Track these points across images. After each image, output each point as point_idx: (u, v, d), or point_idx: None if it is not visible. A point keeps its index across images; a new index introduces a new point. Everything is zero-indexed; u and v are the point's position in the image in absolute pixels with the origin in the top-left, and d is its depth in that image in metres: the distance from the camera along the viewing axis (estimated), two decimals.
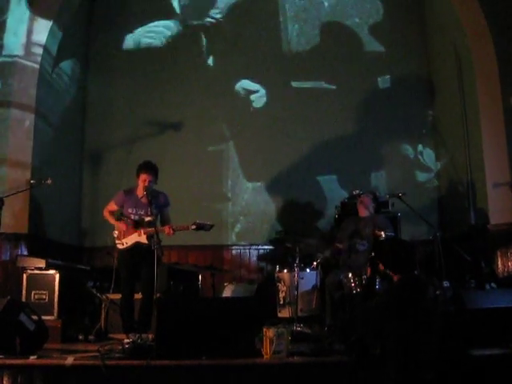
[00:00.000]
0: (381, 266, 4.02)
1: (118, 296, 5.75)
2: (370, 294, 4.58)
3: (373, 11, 8.29)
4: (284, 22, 8.33)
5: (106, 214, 5.71)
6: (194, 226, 5.34)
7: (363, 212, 6.08)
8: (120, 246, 5.54)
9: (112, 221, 5.62)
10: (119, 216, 5.51)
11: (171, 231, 5.36)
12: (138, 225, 5.49)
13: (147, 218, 5.37)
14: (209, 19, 8.36)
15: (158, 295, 5.12)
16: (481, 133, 6.55)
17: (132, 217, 5.53)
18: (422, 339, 3.52)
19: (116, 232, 5.54)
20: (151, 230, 5.31)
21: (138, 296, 5.64)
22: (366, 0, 8.33)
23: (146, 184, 5.43)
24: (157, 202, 5.54)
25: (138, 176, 5.53)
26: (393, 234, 5.84)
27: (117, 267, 5.69)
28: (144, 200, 5.46)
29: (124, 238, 5.52)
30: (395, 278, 3.86)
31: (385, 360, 3.61)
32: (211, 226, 5.44)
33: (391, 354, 3.53)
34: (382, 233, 5.49)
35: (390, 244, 4.19)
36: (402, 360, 3.47)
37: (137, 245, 5.48)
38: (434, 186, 7.91)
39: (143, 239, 5.43)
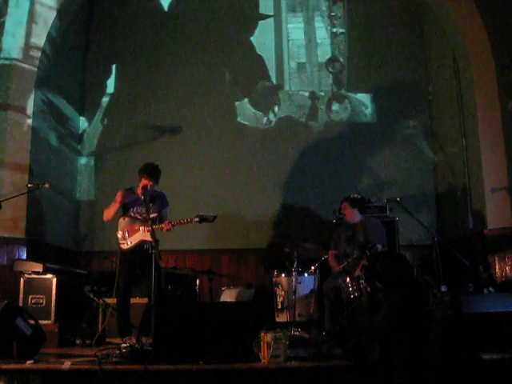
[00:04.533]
0: (378, 284, 4.01)
1: (115, 300, 5.74)
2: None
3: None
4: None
5: (104, 213, 5.57)
6: (197, 219, 5.29)
7: (349, 218, 6.07)
8: (124, 246, 5.46)
9: (110, 210, 5.51)
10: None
11: (170, 226, 5.32)
12: (141, 222, 5.46)
13: (152, 215, 5.35)
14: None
15: (156, 300, 5.11)
16: (479, 137, 6.56)
17: (133, 215, 5.52)
18: (425, 343, 3.52)
19: (120, 232, 5.50)
20: (156, 227, 5.30)
21: (135, 300, 5.63)
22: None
23: (148, 188, 5.45)
24: (159, 202, 5.58)
25: (139, 177, 5.52)
26: (381, 244, 5.80)
27: (116, 270, 5.63)
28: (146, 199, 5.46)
29: (129, 237, 5.47)
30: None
31: (386, 365, 3.60)
32: (214, 217, 5.36)
33: (397, 358, 3.52)
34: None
35: (385, 258, 4.14)
36: (407, 364, 3.47)
37: (140, 244, 5.45)
38: (431, 191, 7.91)
39: (147, 237, 5.30)
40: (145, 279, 5.31)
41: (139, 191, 5.49)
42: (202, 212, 5.34)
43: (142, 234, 5.42)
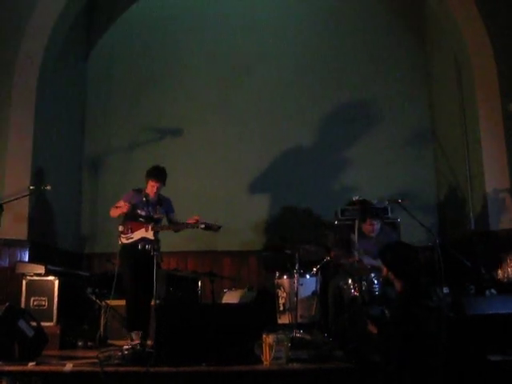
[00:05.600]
0: (385, 271, 4.01)
1: (117, 302, 5.75)
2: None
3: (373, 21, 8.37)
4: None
5: (111, 210, 5.68)
6: (202, 226, 5.48)
7: (371, 233, 5.91)
8: (124, 241, 5.55)
9: (119, 211, 5.60)
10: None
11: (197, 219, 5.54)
12: (146, 220, 5.57)
13: (156, 215, 5.61)
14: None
15: (158, 302, 5.13)
16: (480, 139, 6.56)
17: (139, 212, 5.62)
18: (431, 344, 3.51)
19: (122, 226, 5.57)
20: (160, 227, 5.56)
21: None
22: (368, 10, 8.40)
23: (155, 190, 5.67)
24: (163, 205, 5.75)
25: (146, 179, 5.71)
26: None
27: (119, 268, 5.63)
28: (152, 200, 5.67)
29: (131, 232, 5.55)
30: (396, 285, 3.85)
31: (387, 366, 3.60)
32: (219, 227, 5.59)
33: (400, 360, 3.52)
34: None
35: (398, 247, 4.17)
36: (408, 366, 3.47)
37: (141, 242, 5.51)
38: (433, 192, 7.91)
39: (150, 235, 5.47)
40: (142, 280, 5.39)
41: (148, 192, 5.67)
42: (208, 220, 5.51)
43: (145, 233, 5.51)
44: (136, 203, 5.63)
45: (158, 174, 5.70)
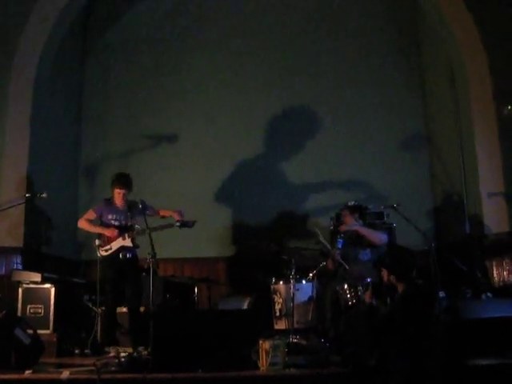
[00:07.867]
0: (385, 274, 4.02)
1: None
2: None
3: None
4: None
5: (83, 223, 5.79)
6: (178, 224, 5.62)
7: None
8: (104, 253, 5.63)
9: (92, 229, 5.73)
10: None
11: (180, 216, 5.66)
12: (122, 230, 5.66)
13: (130, 222, 5.69)
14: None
15: (153, 308, 5.14)
16: (474, 143, 6.59)
17: (113, 222, 5.72)
18: (429, 348, 3.52)
19: (97, 240, 5.63)
20: (136, 232, 5.63)
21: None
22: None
23: (121, 197, 5.74)
24: (136, 210, 5.69)
25: (111, 188, 5.80)
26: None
27: (100, 282, 5.63)
28: (122, 208, 5.76)
29: (109, 243, 5.63)
30: (399, 288, 3.86)
31: (383, 371, 3.60)
32: (194, 222, 5.70)
33: (395, 364, 3.52)
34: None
35: (396, 251, 4.19)
36: (406, 370, 3.47)
37: (121, 251, 5.58)
38: (429, 197, 7.92)
39: (128, 243, 5.59)
40: (128, 287, 5.51)
41: (117, 201, 5.78)
42: (183, 218, 5.67)
43: (123, 241, 5.62)
44: (106, 212, 5.75)
45: (121, 181, 5.77)
